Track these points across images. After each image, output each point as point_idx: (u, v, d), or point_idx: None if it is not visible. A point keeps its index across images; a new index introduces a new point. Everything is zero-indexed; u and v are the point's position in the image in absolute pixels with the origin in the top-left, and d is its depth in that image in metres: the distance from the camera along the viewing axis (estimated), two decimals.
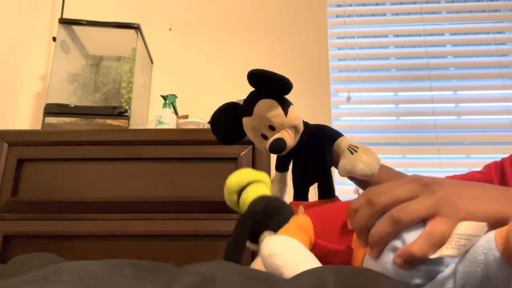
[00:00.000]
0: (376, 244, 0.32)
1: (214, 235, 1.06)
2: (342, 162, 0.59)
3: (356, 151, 0.59)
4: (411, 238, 0.30)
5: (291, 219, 0.44)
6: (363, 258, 0.35)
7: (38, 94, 1.64)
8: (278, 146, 0.59)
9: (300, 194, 0.64)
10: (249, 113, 0.61)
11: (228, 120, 0.65)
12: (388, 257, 0.31)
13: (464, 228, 0.28)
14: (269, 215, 0.47)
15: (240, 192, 0.53)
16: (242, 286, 0.24)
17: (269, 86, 0.59)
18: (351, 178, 0.79)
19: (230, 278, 0.24)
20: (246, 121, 0.62)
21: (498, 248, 0.25)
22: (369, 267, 0.33)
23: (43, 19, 1.72)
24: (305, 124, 0.65)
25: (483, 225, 0.27)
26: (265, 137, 0.61)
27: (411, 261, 0.29)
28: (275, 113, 0.59)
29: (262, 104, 0.59)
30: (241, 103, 0.64)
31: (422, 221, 0.31)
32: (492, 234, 0.26)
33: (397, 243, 0.31)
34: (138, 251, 1.06)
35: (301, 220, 0.42)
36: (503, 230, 0.25)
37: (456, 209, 0.30)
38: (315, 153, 0.64)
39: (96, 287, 0.23)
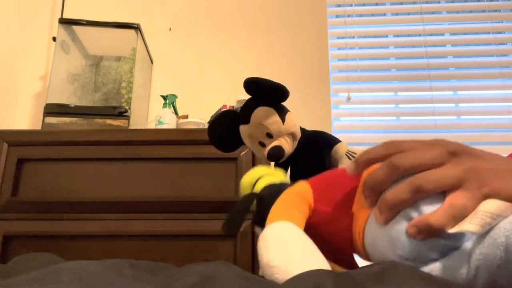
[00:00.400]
0: (389, 209, 0.30)
1: (214, 235, 1.06)
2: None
3: (354, 157, 0.58)
4: (429, 210, 0.28)
5: (290, 188, 0.43)
6: (366, 222, 0.33)
7: (38, 94, 1.64)
8: (276, 153, 0.59)
9: None
10: (247, 120, 0.61)
11: (225, 128, 0.65)
12: (401, 226, 0.29)
13: (491, 206, 0.26)
14: (274, 195, 0.47)
15: (253, 187, 0.54)
16: (241, 286, 0.24)
17: (265, 93, 0.59)
18: None
19: (230, 278, 0.24)
20: (243, 129, 0.62)
21: None
22: (373, 232, 0.32)
23: (43, 19, 1.72)
24: (303, 130, 0.65)
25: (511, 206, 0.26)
26: (262, 145, 0.61)
27: (427, 232, 0.28)
28: (272, 120, 0.59)
29: (259, 112, 0.59)
30: (240, 104, 0.64)
31: (442, 193, 0.29)
32: None
33: (413, 213, 0.29)
34: (138, 251, 1.06)
35: (300, 187, 0.42)
36: None
37: (480, 184, 0.28)
38: (313, 160, 0.64)
39: (96, 287, 0.23)
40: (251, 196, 0.48)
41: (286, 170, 0.67)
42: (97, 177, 1.12)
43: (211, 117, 0.67)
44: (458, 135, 1.57)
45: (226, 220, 0.45)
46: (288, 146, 0.60)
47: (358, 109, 1.62)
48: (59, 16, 1.58)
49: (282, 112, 0.60)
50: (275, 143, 0.59)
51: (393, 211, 0.30)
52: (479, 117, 1.60)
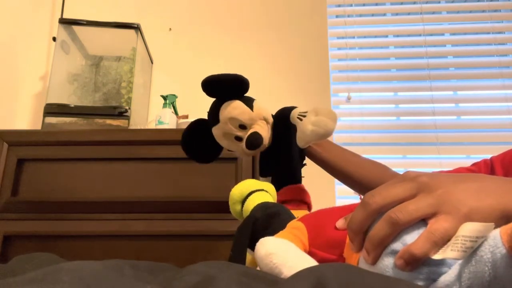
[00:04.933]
0: (374, 248, 0.31)
1: (214, 235, 1.06)
2: (297, 135, 0.56)
3: (304, 116, 0.55)
4: (412, 239, 0.29)
5: (286, 226, 0.43)
6: (357, 265, 0.33)
7: (38, 94, 1.64)
8: (254, 140, 0.56)
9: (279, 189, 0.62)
10: (216, 121, 0.59)
11: (198, 138, 0.62)
12: (388, 261, 0.30)
13: (470, 229, 0.26)
14: (267, 222, 0.46)
15: (243, 202, 0.53)
16: (241, 284, 0.24)
17: (225, 88, 0.57)
18: (338, 175, 0.76)
19: (230, 277, 0.24)
20: (215, 130, 0.60)
21: (504, 245, 0.24)
22: None
23: (43, 19, 1.72)
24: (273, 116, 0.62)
25: (490, 225, 0.26)
26: (240, 139, 0.59)
27: (412, 262, 0.28)
28: (240, 110, 0.57)
29: (225, 107, 0.57)
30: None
31: (423, 222, 0.30)
32: (497, 231, 0.25)
33: (397, 246, 0.29)
34: (138, 251, 1.06)
35: (296, 228, 0.42)
36: (508, 227, 0.25)
37: (458, 205, 0.29)
38: (281, 139, 0.61)
39: (96, 287, 0.23)
40: (246, 229, 0.47)
41: (269, 164, 0.65)
42: (97, 177, 1.12)
43: (181, 140, 0.64)
44: (458, 135, 1.57)
45: (230, 258, 0.45)
46: (264, 131, 0.58)
47: (358, 109, 1.62)
48: (59, 16, 1.58)
49: (248, 101, 0.58)
50: (250, 131, 0.57)
51: (379, 248, 0.31)
52: (479, 117, 1.60)
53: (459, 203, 0.29)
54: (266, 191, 0.53)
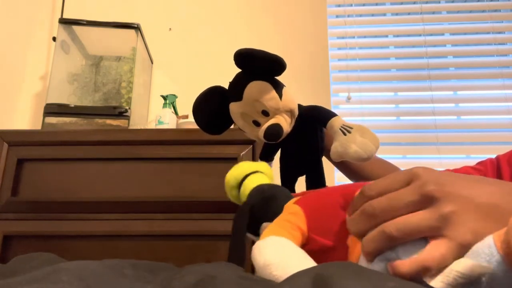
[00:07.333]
0: (367, 254, 0.30)
1: (214, 235, 1.06)
2: (334, 145, 0.52)
3: (349, 132, 0.52)
4: (405, 255, 0.28)
5: (282, 211, 0.41)
6: (360, 256, 0.33)
7: (38, 94, 1.64)
8: (274, 133, 0.52)
9: (287, 186, 0.60)
10: (238, 97, 0.54)
11: (213, 107, 0.58)
12: (379, 267, 0.29)
13: (466, 267, 0.25)
14: (265, 205, 0.45)
15: (240, 185, 0.50)
16: (241, 285, 0.24)
17: (261, 66, 0.52)
18: (348, 172, 0.77)
19: (230, 278, 0.24)
20: (234, 107, 0.55)
21: (499, 252, 0.24)
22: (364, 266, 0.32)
23: (43, 19, 1.72)
24: (299, 107, 0.58)
25: (488, 267, 0.25)
26: (257, 124, 0.55)
27: (401, 276, 0.27)
28: (269, 96, 0.52)
29: (254, 87, 0.53)
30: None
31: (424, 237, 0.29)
32: (491, 239, 0.25)
33: (390, 255, 0.29)
34: (138, 251, 1.06)
35: (292, 213, 0.40)
36: (500, 233, 0.25)
37: (463, 231, 0.27)
38: (305, 138, 0.58)
39: (96, 287, 0.23)
40: (243, 215, 0.45)
41: (275, 151, 0.62)
42: (97, 177, 1.12)
43: (194, 103, 0.60)
44: (458, 135, 1.57)
45: (229, 250, 0.43)
46: (286, 124, 0.53)
47: (358, 109, 1.62)
48: (59, 16, 1.58)
49: (278, 87, 0.54)
50: (272, 121, 0.53)
51: (371, 256, 0.30)
52: (479, 117, 1.60)
53: (465, 229, 0.27)
54: (261, 172, 0.51)
